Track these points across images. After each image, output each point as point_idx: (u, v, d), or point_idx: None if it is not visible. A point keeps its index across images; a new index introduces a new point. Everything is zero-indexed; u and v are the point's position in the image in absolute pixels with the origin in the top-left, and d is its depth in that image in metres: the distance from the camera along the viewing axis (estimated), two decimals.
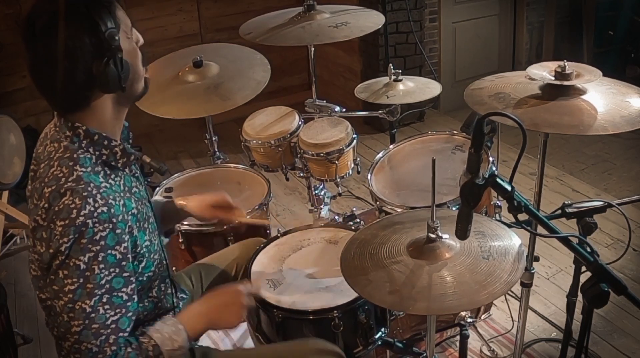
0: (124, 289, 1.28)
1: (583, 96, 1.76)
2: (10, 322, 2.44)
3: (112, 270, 1.25)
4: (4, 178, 2.99)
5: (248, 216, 2.19)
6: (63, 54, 1.22)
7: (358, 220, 2.28)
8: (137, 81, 1.37)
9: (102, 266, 1.23)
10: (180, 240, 2.19)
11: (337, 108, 2.39)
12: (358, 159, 2.27)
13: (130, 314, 1.30)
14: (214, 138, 2.64)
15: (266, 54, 2.54)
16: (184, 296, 1.70)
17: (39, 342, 2.72)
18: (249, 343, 2.08)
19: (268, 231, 2.33)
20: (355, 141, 2.21)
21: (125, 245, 1.28)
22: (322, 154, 2.14)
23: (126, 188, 1.37)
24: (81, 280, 1.22)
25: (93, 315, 1.23)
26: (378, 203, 2.14)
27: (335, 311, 1.63)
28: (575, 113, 1.70)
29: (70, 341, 1.24)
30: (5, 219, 3.13)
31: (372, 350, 1.78)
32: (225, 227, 2.00)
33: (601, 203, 1.58)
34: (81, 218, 1.20)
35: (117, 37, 1.26)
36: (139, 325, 1.43)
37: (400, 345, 1.96)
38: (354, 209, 2.34)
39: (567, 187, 3.65)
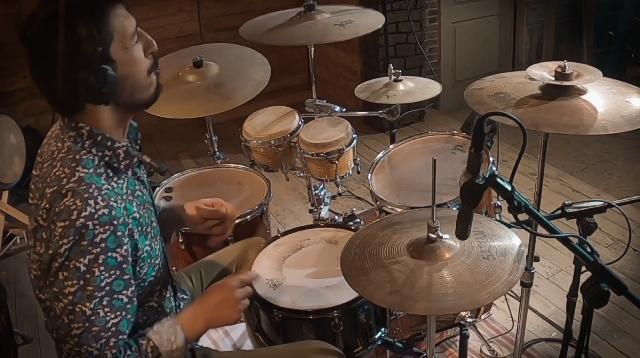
0: (125, 292, 1.27)
1: (583, 96, 1.76)
2: (10, 322, 2.44)
3: (112, 272, 1.24)
4: (4, 178, 2.98)
5: (248, 218, 2.19)
6: (49, 61, 1.23)
7: (358, 220, 2.28)
8: (137, 90, 1.34)
9: (102, 268, 1.22)
10: (180, 240, 2.19)
11: (337, 108, 2.39)
12: (358, 159, 2.27)
13: (129, 317, 1.29)
14: (214, 138, 2.64)
15: (266, 54, 2.54)
16: (185, 297, 1.70)
17: (39, 342, 2.72)
18: (249, 343, 2.08)
19: (268, 231, 2.33)
20: (355, 141, 2.21)
21: (126, 247, 1.27)
22: (322, 154, 2.14)
23: (129, 191, 1.36)
24: (81, 282, 1.21)
25: (93, 317, 1.22)
26: (378, 203, 2.14)
27: (335, 311, 1.63)
28: (575, 113, 1.70)
29: (71, 344, 1.23)
30: (5, 219, 3.13)
31: (372, 350, 1.78)
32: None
33: (601, 203, 1.58)
34: (81, 220, 1.20)
35: (99, 49, 1.23)
36: (138, 328, 1.42)
37: (400, 345, 1.95)
38: (354, 209, 2.34)
39: (567, 187, 3.64)
